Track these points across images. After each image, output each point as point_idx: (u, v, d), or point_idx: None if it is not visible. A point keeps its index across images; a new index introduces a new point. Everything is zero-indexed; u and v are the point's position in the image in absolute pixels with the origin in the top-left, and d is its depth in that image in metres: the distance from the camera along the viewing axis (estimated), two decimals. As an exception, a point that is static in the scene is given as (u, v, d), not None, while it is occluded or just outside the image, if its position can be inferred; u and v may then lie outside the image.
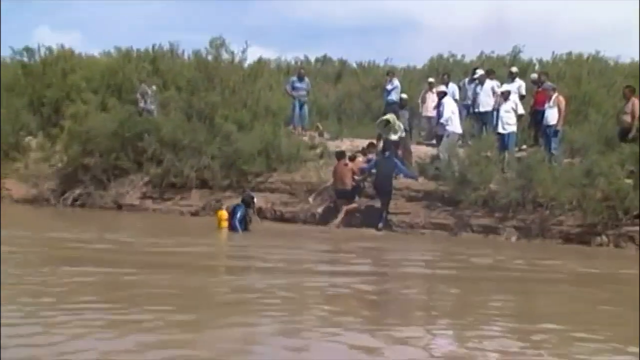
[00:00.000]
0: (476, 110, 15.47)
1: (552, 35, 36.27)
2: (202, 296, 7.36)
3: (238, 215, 12.94)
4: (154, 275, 8.24)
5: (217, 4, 52.93)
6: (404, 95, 16.23)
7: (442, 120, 14.49)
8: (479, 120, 15.49)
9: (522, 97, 15.02)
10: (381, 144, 14.85)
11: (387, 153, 14.24)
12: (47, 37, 61.36)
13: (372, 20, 49.46)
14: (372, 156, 14.72)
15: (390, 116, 14.70)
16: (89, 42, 56.82)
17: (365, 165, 14.36)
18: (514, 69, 15.91)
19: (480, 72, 15.79)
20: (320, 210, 14.48)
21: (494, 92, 15.06)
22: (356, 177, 14.08)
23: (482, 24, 41.04)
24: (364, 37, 49.21)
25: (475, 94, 15.57)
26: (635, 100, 13.24)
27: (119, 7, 50.89)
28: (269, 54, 37.70)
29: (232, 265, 10.06)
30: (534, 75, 15.60)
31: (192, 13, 51.06)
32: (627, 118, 13.26)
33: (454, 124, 14.45)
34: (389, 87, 16.93)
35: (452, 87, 16.10)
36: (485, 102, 15.01)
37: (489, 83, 15.25)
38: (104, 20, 50.75)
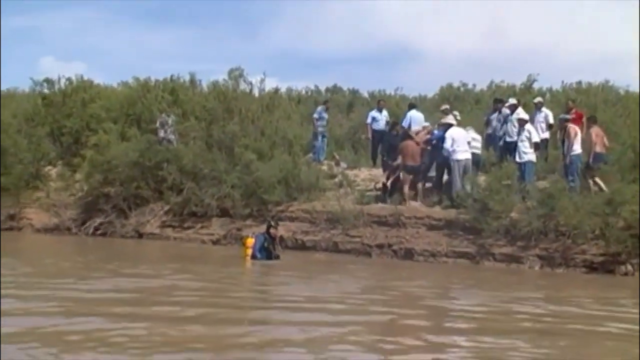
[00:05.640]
0: (507, 139, 15.15)
1: (558, 64, 36.53)
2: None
3: (259, 244, 12.99)
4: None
5: (223, 35, 53.67)
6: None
7: (444, 148, 14.55)
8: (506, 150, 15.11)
9: (550, 126, 15.14)
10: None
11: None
12: (51, 68, 62.20)
13: (377, 51, 50.00)
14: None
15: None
16: (93, 73, 57.97)
17: (430, 136, 15.26)
18: (539, 99, 15.88)
19: (512, 101, 15.53)
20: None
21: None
22: (427, 148, 15.02)
23: (489, 53, 41.35)
24: (369, 66, 49.69)
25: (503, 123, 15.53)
26: None
27: (120, 38, 51.79)
28: (276, 84, 37.92)
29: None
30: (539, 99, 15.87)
31: (202, 43, 51.73)
32: None
33: (456, 151, 14.45)
34: (378, 115, 17.11)
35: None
36: (512, 132, 14.91)
37: (518, 113, 15.06)
38: (107, 51, 51.74)
